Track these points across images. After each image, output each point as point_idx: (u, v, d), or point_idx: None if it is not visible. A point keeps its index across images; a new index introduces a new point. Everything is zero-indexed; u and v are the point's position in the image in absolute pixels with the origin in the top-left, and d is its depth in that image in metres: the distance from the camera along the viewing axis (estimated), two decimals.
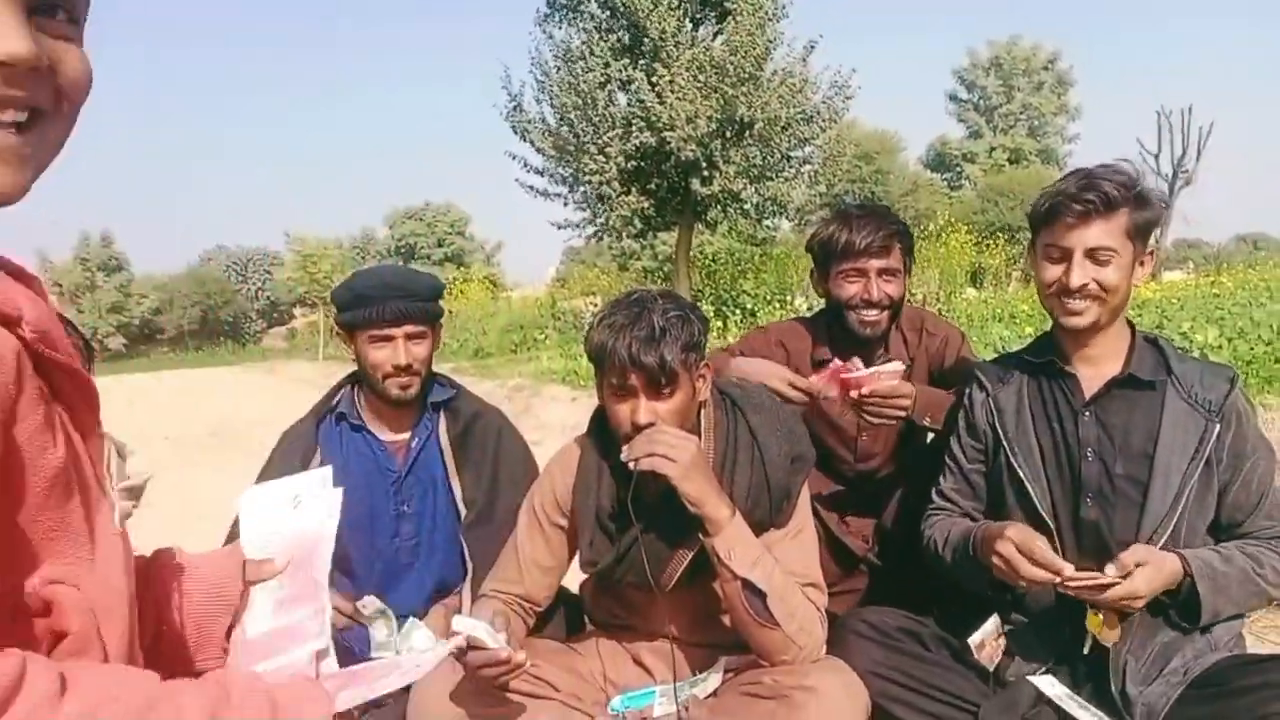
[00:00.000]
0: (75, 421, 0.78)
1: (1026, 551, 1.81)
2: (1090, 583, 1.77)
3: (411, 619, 2.23)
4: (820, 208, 19.35)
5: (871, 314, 2.47)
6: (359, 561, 2.39)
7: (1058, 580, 1.79)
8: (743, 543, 1.85)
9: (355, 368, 2.46)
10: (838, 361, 2.36)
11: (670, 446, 1.79)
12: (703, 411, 2.01)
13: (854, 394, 2.31)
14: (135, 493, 2.37)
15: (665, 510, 1.89)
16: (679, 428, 1.87)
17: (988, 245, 18.65)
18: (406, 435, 2.43)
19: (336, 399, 2.48)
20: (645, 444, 1.80)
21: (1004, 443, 2.05)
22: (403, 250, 43.18)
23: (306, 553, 1.14)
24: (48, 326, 0.74)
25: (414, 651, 1.16)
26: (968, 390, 2.18)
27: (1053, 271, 1.95)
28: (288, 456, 2.40)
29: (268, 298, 43.25)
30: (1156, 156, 25.24)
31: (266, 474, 2.41)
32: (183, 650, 1.06)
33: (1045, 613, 2.01)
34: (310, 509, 1.20)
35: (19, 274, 0.83)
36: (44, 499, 0.72)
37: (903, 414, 2.33)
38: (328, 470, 1.25)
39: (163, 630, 1.03)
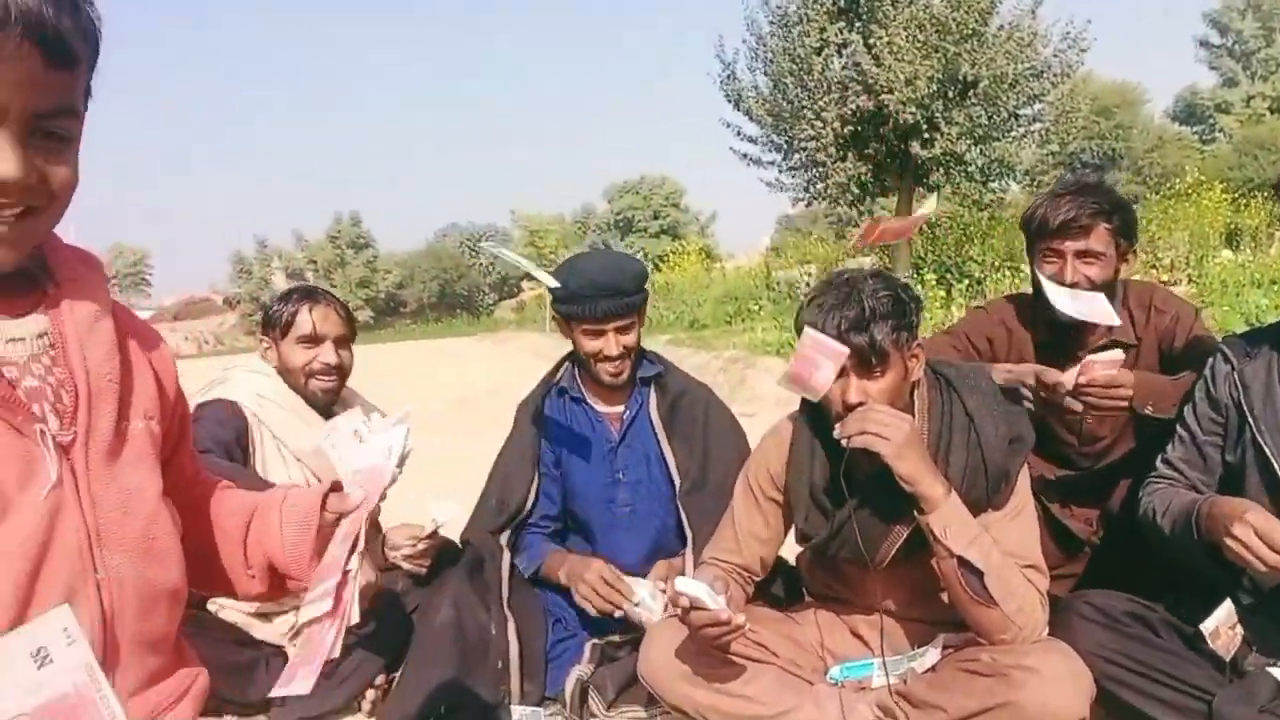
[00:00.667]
0: None
1: (1267, 538, 1.73)
2: None
3: (634, 576, 2.41)
4: (1054, 168, 18.16)
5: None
6: (586, 525, 2.63)
7: None
8: (958, 521, 1.86)
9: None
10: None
11: (883, 425, 1.82)
12: (916, 392, 2.02)
13: (1072, 384, 2.23)
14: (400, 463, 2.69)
15: (879, 487, 1.92)
16: (890, 406, 1.89)
17: (1245, 203, 16.78)
18: (620, 408, 2.63)
19: (559, 374, 2.69)
20: (858, 421, 1.84)
21: (1249, 420, 1.94)
22: (620, 224, 44.27)
23: (375, 486, 1.22)
24: None
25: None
26: (1210, 362, 2.08)
27: None
28: (523, 428, 2.67)
29: (499, 272, 45.60)
30: None
31: (510, 444, 2.68)
32: (284, 574, 1.22)
33: None
34: (375, 445, 1.26)
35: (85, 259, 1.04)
36: None
37: (1123, 404, 2.23)
38: (408, 409, 1.34)
39: (269, 558, 1.21)
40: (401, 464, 1.22)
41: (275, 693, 1.11)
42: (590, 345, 2.49)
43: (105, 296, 1.05)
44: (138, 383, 1.07)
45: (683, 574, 2.44)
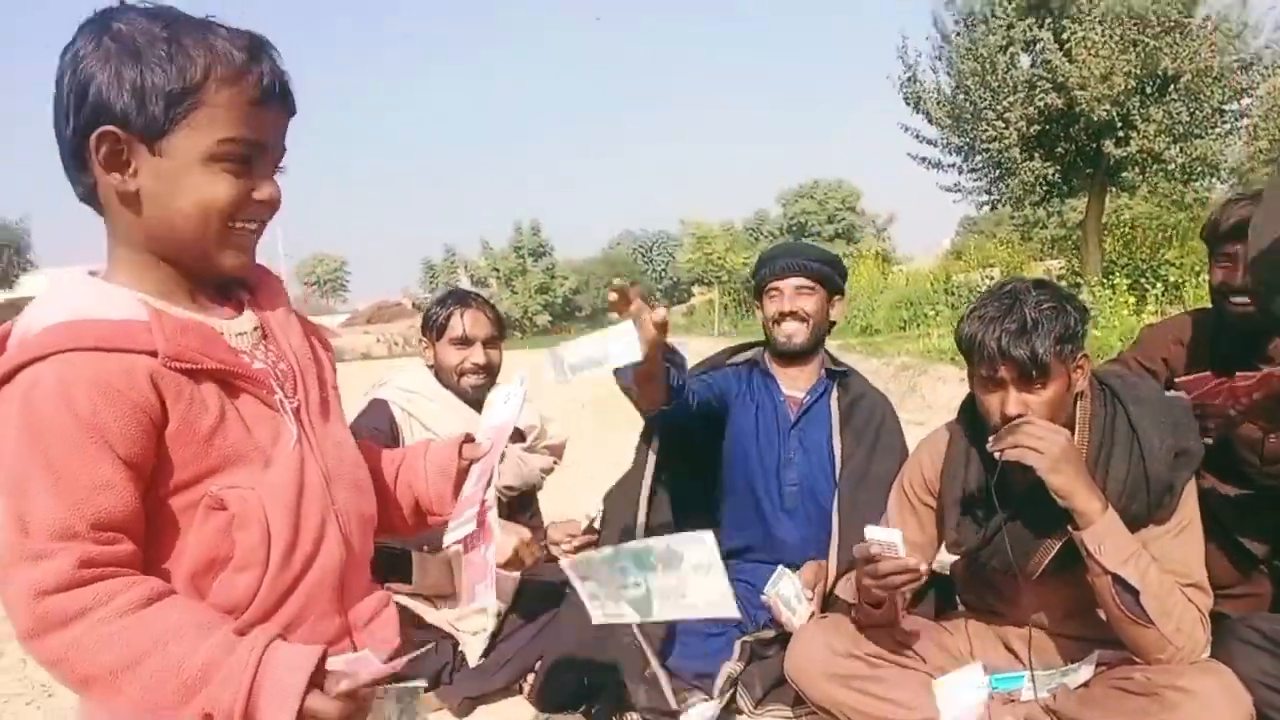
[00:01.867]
0: (231, 392, 1.11)
1: None
2: None
3: (782, 567, 2.47)
4: (1264, 164, 16.71)
5: (1241, 300, 2.30)
6: (752, 499, 2.71)
7: None
8: (1114, 537, 1.83)
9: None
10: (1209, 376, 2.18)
11: (1038, 439, 1.81)
12: (1079, 403, 1.99)
13: (1242, 401, 2.13)
14: (556, 451, 2.86)
15: (1033, 500, 1.90)
16: (1051, 419, 1.87)
17: None
18: (802, 393, 2.73)
19: (753, 353, 2.83)
20: (1012, 435, 1.83)
21: None
22: (794, 228, 43.84)
23: (500, 435, 1.42)
24: (182, 347, 1.07)
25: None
26: None
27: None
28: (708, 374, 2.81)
29: (670, 278, 46.19)
30: None
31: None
32: (427, 511, 1.44)
33: None
34: (511, 406, 1.44)
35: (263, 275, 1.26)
36: (205, 444, 1.07)
37: None
38: (522, 374, 1.52)
39: (416, 499, 1.42)
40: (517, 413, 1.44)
41: (465, 605, 1.34)
42: (771, 306, 2.70)
43: (286, 297, 1.29)
44: (319, 360, 1.30)
45: (831, 572, 2.49)
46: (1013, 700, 2.09)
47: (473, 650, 2.59)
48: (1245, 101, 13.47)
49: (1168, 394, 2.07)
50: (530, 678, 2.61)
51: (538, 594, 2.66)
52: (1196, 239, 13.55)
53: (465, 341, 2.72)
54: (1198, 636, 1.87)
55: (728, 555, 2.68)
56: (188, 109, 1.05)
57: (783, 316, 2.65)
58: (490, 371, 2.76)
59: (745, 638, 2.50)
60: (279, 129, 1.15)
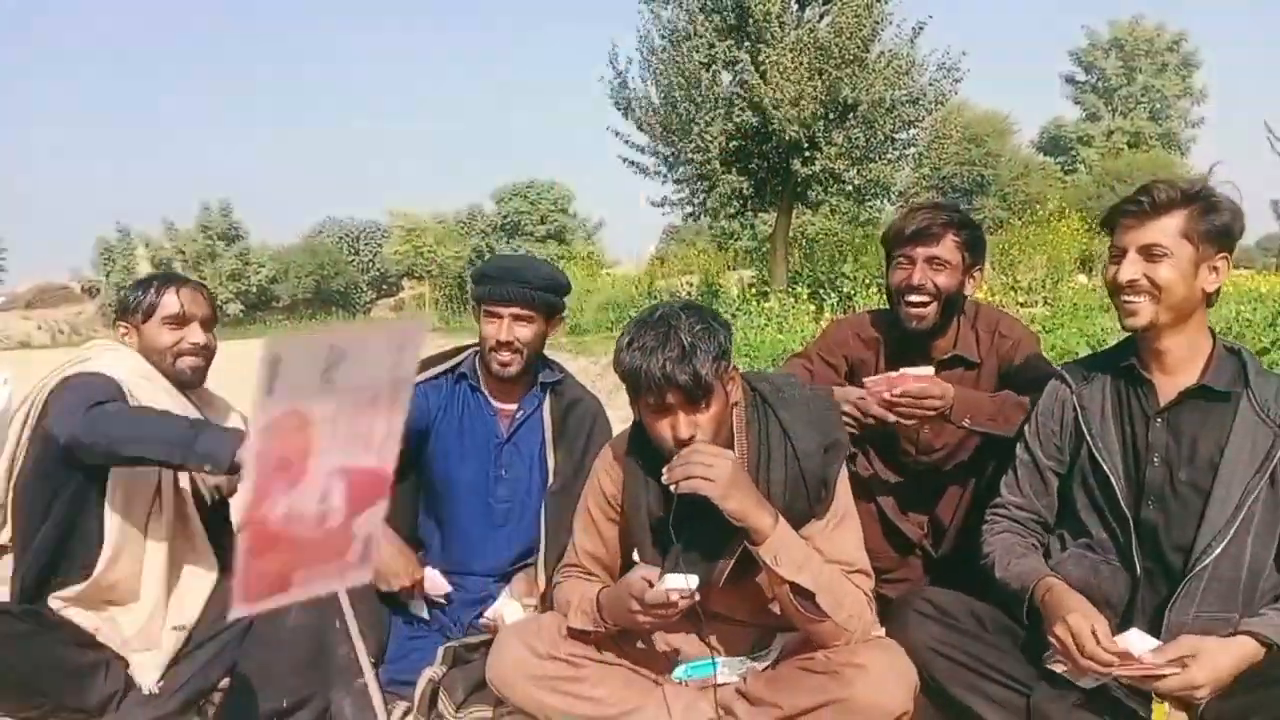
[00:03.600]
0: None
1: (1078, 638, 1.82)
2: (1144, 673, 1.78)
3: (505, 594, 2.41)
4: (926, 189, 18.94)
5: (917, 299, 2.51)
6: (459, 515, 2.63)
7: (1112, 671, 1.81)
8: (787, 547, 1.93)
9: (460, 342, 2.77)
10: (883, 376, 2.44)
11: (707, 468, 1.86)
12: (734, 411, 2.07)
13: (886, 395, 2.37)
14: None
15: (709, 522, 1.95)
16: (717, 433, 1.95)
17: (1100, 232, 17.89)
18: (513, 406, 2.66)
19: (461, 361, 2.71)
20: (683, 467, 1.87)
21: (1088, 439, 2.06)
22: (507, 226, 43.83)
23: None
24: None
25: None
26: (1050, 386, 2.20)
27: (1111, 271, 2.02)
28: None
29: (377, 270, 44.60)
30: None
31: None
32: None
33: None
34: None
35: None
36: None
37: (932, 414, 2.38)
38: (4, 374, 1.41)
39: None
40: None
41: None
42: (488, 329, 2.56)
43: None
44: None
45: (540, 583, 2.47)
46: (706, 687, 2.15)
47: (146, 673, 2.30)
48: (913, 131, 15.19)
49: (807, 390, 2.19)
50: (217, 697, 2.38)
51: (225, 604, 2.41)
52: (868, 254, 15.12)
53: (182, 320, 2.46)
54: (866, 618, 2.03)
55: (444, 572, 2.60)
56: None
57: (500, 345, 2.55)
58: (208, 354, 2.52)
59: (450, 643, 2.43)
60: None
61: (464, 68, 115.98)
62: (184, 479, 2.42)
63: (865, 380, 2.46)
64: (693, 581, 1.90)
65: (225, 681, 2.38)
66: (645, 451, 2.10)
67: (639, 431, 2.12)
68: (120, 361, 2.41)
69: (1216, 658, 1.78)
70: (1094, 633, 1.81)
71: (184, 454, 2.07)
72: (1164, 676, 1.77)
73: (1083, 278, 15.04)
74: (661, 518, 2.07)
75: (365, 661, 2.30)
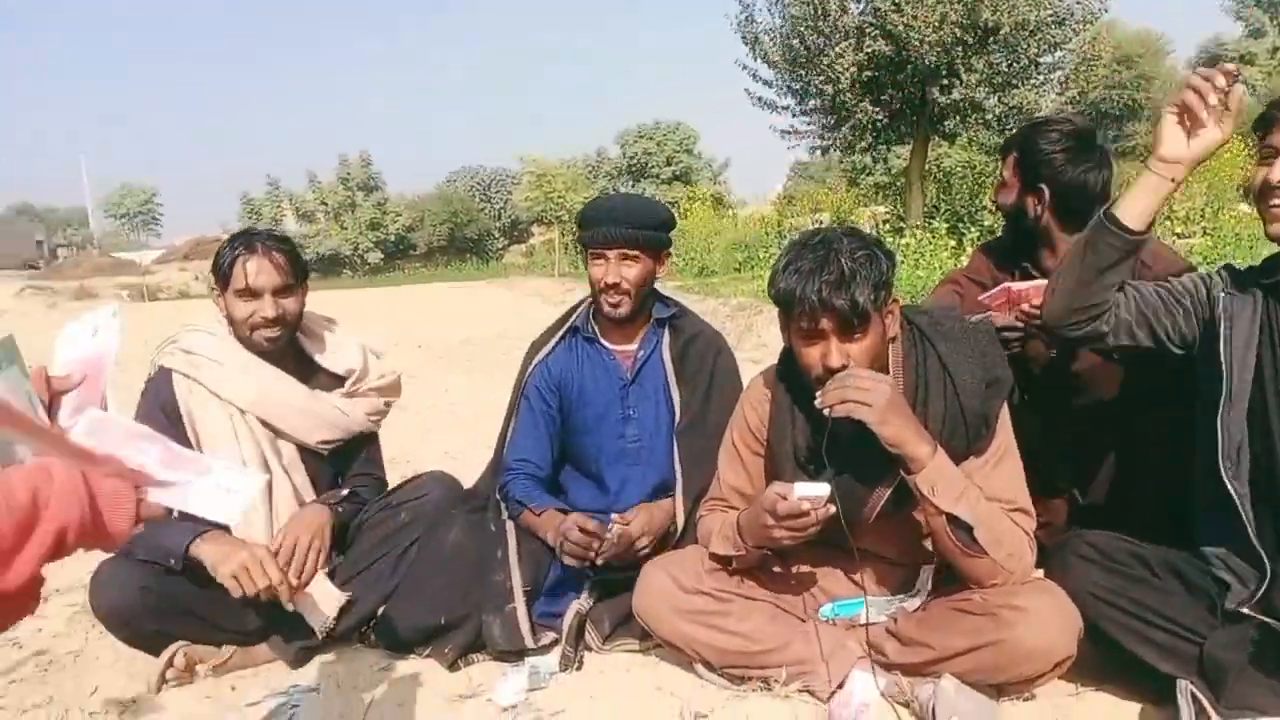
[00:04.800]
0: None
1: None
2: None
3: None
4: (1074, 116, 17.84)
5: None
6: (596, 458, 2.67)
7: None
8: (945, 478, 1.85)
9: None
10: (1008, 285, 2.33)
11: (864, 391, 1.79)
12: (891, 347, 1.99)
13: (1023, 307, 2.25)
14: (388, 391, 2.68)
15: (862, 450, 1.89)
16: (870, 367, 1.87)
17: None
18: (634, 346, 2.65)
19: (574, 316, 2.73)
20: (839, 390, 1.81)
21: (1222, 356, 1.89)
22: (634, 169, 43.85)
23: (96, 368, 1.31)
24: None
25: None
26: (1218, 269, 2.04)
27: (1260, 173, 1.83)
28: (528, 365, 2.72)
29: (509, 216, 45.37)
30: None
31: (518, 384, 2.71)
32: None
33: None
34: (103, 337, 1.35)
35: None
36: None
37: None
38: (114, 306, 1.45)
39: None
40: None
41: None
42: (595, 271, 2.55)
43: None
44: None
45: (679, 518, 2.47)
46: (854, 626, 2.12)
47: (327, 603, 2.40)
48: (1059, 54, 14.32)
49: (971, 320, 2.10)
50: (373, 624, 2.48)
51: (380, 534, 2.52)
52: None
53: (251, 294, 2.38)
54: (1027, 558, 1.94)
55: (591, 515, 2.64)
56: None
57: (607, 288, 2.53)
58: (285, 323, 2.43)
59: (595, 576, 2.46)
60: None
61: (589, 14, 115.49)
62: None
63: (980, 297, 2.38)
64: (823, 490, 1.86)
65: (383, 608, 2.48)
66: (794, 382, 2.05)
67: (788, 361, 2.07)
68: (193, 344, 2.44)
69: None
70: None
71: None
72: None
73: (1245, 206, 13.96)
74: (810, 450, 2.02)
75: (519, 589, 2.40)
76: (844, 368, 1.84)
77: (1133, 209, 1.88)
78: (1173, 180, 1.86)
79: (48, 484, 0.99)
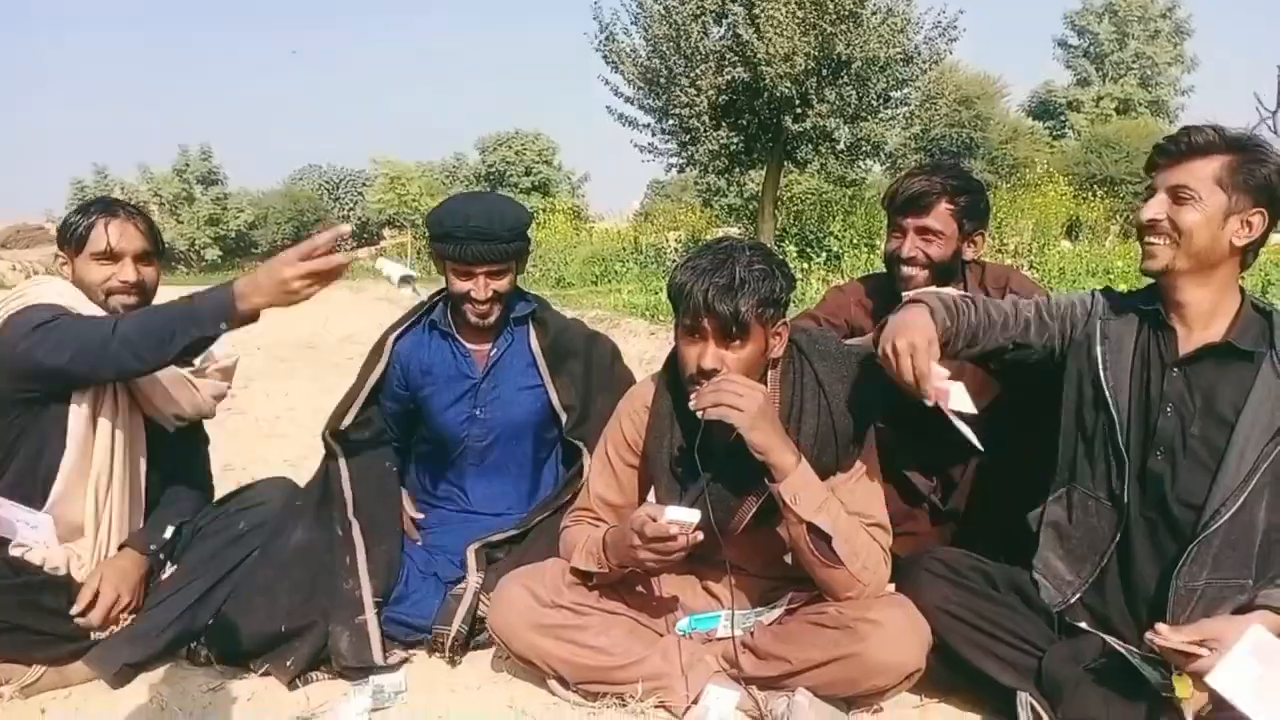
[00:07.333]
0: None
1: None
2: (1182, 647, 1.69)
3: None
4: (915, 151, 18.84)
5: (908, 271, 2.50)
6: (449, 459, 2.65)
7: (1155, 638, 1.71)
8: (808, 488, 1.89)
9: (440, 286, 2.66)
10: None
11: (737, 396, 1.82)
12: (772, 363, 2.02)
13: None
14: (227, 374, 2.54)
15: (733, 457, 1.92)
16: (744, 376, 1.89)
17: (1087, 197, 18.02)
18: (487, 345, 2.60)
19: (434, 310, 2.65)
20: (714, 393, 1.83)
21: (1100, 371, 1.97)
22: (492, 176, 43.31)
23: None
24: None
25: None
26: (1093, 293, 2.10)
27: (1139, 209, 1.94)
28: (368, 366, 2.64)
29: (358, 218, 44.05)
30: (1275, 114, 23.67)
31: (356, 381, 2.60)
32: None
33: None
34: None
35: None
36: None
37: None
38: None
39: None
40: None
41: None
42: (459, 286, 2.47)
43: None
44: None
45: None
46: (711, 639, 2.12)
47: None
48: (905, 90, 15.07)
49: (847, 343, 2.16)
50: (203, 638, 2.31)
51: (217, 544, 2.36)
52: (856, 214, 15.05)
53: (111, 256, 2.29)
54: (881, 572, 1.99)
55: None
56: None
57: (474, 302, 2.46)
58: (142, 291, 2.33)
59: (475, 543, 2.45)
60: None
61: (451, 17, 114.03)
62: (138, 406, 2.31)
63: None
64: (693, 516, 1.87)
65: (213, 618, 2.31)
66: (677, 384, 2.05)
67: (673, 363, 2.07)
68: (59, 295, 2.25)
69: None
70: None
71: (184, 334, 2.05)
72: (1187, 656, 1.69)
73: (1068, 243, 15.06)
74: (683, 459, 2.03)
75: (369, 599, 2.27)
76: (715, 371, 1.86)
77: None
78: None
79: None
